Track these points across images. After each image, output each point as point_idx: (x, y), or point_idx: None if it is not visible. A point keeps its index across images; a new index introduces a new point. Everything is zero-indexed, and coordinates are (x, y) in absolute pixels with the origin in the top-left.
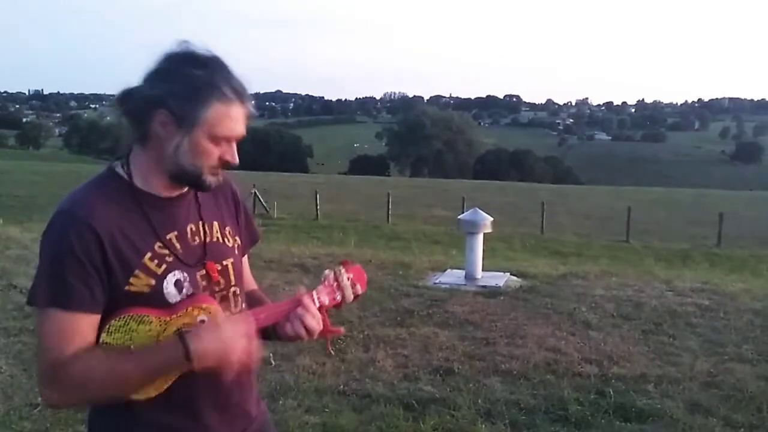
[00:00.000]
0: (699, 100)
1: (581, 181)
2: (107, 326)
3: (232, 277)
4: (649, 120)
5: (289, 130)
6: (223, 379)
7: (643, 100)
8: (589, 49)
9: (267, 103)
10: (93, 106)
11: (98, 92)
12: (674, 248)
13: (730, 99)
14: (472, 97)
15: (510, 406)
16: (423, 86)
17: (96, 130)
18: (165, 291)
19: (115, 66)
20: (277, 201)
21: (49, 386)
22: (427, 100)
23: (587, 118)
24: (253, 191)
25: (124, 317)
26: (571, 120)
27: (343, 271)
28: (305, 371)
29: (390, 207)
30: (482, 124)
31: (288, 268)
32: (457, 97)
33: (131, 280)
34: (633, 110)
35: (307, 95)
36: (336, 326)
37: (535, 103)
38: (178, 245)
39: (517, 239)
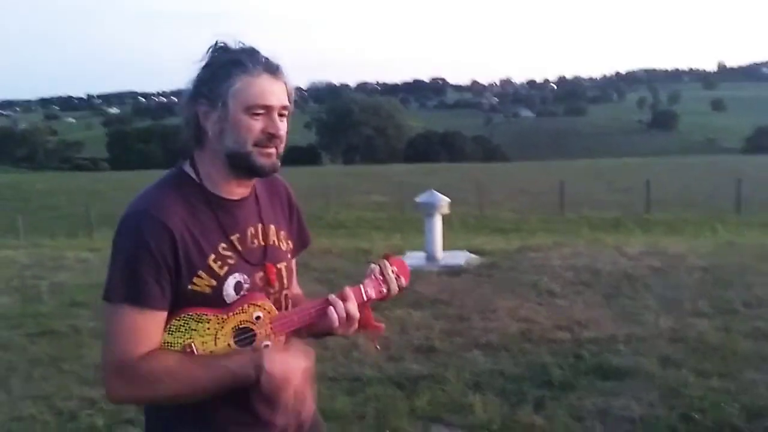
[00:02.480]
0: (616, 73)
1: (510, 158)
2: (168, 326)
3: (285, 281)
4: (570, 95)
5: None
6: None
7: (563, 76)
8: (510, 29)
9: None
10: (4, 113)
11: (8, 98)
12: (607, 217)
13: (646, 70)
14: (399, 82)
15: (495, 376)
16: (349, 74)
17: (11, 138)
18: (225, 293)
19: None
20: None
21: (116, 381)
22: (354, 87)
23: (512, 96)
24: None
25: (183, 317)
26: (496, 99)
27: (387, 264)
28: None
29: (329, 196)
30: (410, 108)
31: None
32: (383, 83)
33: (194, 280)
34: (555, 86)
35: None
36: (378, 323)
37: (460, 85)
38: (240, 247)
39: (457, 219)
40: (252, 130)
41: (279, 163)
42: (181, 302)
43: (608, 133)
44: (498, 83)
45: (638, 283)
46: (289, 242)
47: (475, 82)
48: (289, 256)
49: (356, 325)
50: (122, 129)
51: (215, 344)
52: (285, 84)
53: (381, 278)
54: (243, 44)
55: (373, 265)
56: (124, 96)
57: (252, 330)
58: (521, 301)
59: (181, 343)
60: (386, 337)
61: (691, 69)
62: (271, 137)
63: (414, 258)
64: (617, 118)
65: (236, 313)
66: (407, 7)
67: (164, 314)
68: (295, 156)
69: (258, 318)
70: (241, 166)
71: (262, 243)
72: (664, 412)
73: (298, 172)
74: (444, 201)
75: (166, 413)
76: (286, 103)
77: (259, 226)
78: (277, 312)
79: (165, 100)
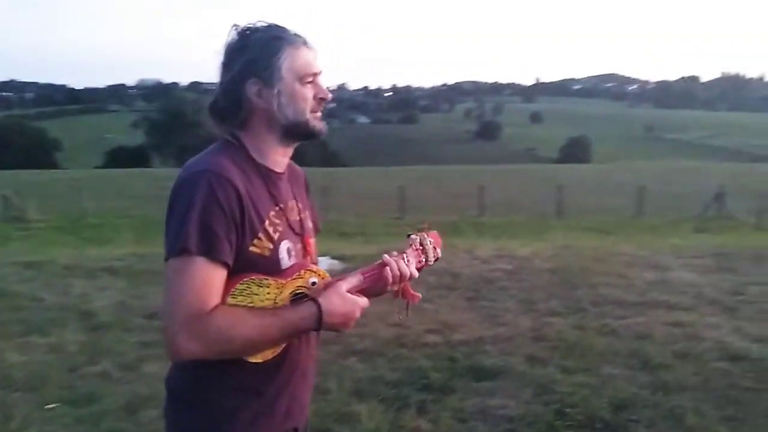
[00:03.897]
0: (445, 84)
1: (349, 163)
2: (231, 289)
3: (314, 256)
4: (403, 104)
5: (31, 123)
6: (307, 354)
7: (396, 85)
8: (345, 35)
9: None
10: None
11: None
12: (444, 221)
13: (472, 82)
14: None
15: (375, 382)
16: (179, 72)
17: None
18: (280, 257)
19: None
20: (32, 202)
21: (185, 336)
22: (185, 86)
23: (348, 102)
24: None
25: (246, 281)
26: (334, 105)
27: (426, 235)
28: (156, 378)
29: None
30: None
31: (96, 274)
32: (216, 83)
33: (255, 241)
34: (388, 94)
35: (48, 84)
36: (415, 292)
37: None
38: (287, 216)
39: None
40: (308, 99)
41: (326, 127)
42: (241, 264)
43: (439, 141)
44: (334, 88)
45: (495, 286)
46: (310, 223)
47: None
48: (313, 234)
49: (405, 283)
50: None
51: None
52: (316, 51)
53: (421, 248)
54: (265, 23)
55: (414, 236)
56: None
57: (308, 296)
58: (388, 305)
59: (243, 306)
60: None
61: (512, 83)
62: (321, 101)
63: None
64: (447, 127)
65: (294, 279)
66: (241, 6)
67: (227, 271)
68: (123, 156)
69: (314, 283)
70: (300, 134)
71: (297, 217)
72: (540, 408)
73: (129, 175)
74: None
75: (189, 378)
76: (321, 68)
77: (295, 201)
78: (330, 277)
79: None
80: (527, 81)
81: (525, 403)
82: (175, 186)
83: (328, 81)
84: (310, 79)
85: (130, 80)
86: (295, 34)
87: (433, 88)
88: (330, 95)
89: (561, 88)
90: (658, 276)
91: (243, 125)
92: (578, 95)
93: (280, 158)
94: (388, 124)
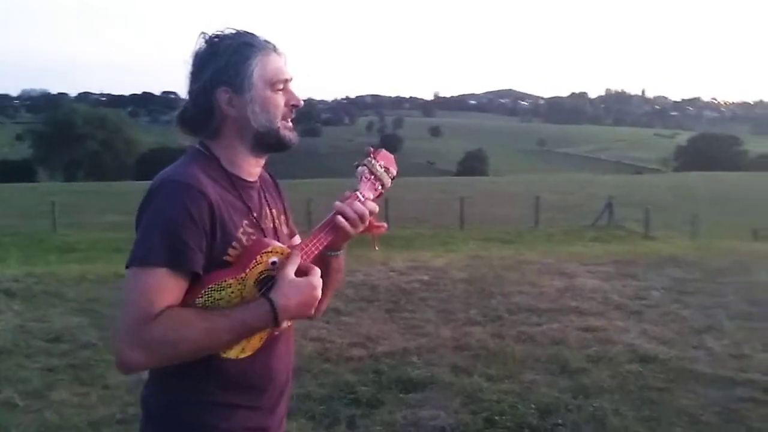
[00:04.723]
0: (346, 97)
1: None
2: (193, 304)
3: None
4: (306, 116)
5: None
6: (285, 365)
7: None
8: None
9: None
10: None
11: None
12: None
13: (372, 96)
14: (126, 94)
15: (303, 399)
16: (67, 83)
17: None
18: None
19: None
20: None
21: (128, 345)
22: (75, 97)
23: None
24: None
25: (203, 293)
26: None
27: (374, 161)
28: (67, 405)
29: (55, 216)
30: (140, 121)
31: None
32: (108, 94)
33: (229, 251)
34: None
35: None
36: (379, 223)
37: None
38: (260, 225)
39: None
40: (279, 105)
41: (297, 137)
42: (211, 271)
43: (342, 153)
44: None
45: (414, 297)
46: (285, 228)
47: None
48: (287, 240)
49: (366, 223)
50: None
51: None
52: (285, 57)
53: (372, 177)
54: (234, 29)
55: (360, 168)
56: None
57: (273, 276)
58: (309, 321)
59: (192, 308)
60: None
61: (412, 97)
62: (293, 108)
63: None
64: (350, 140)
65: (252, 267)
66: (131, 16)
67: (188, 280)
68: (5, 170)
69: (274, 263)
70: (270, 142)
71: (271, 225)
72: (469, 417)
73: (13, 190)
74: None
75: (167, 396)
76: (291, 74)
77: (268, 208)
78: (289, 250)
79: None
80: (427, 95)
81: (455, 413)
82: (145, 196)
83: None
84: (281, 86)
85: (14, 90)
86: (265, 41)
87: (334, 101)
88: (302, 102)
89: (459, 103)
90: (566, 283)
91: (214, 135)
92: (475, 110)
93: (252, 168)
94: None
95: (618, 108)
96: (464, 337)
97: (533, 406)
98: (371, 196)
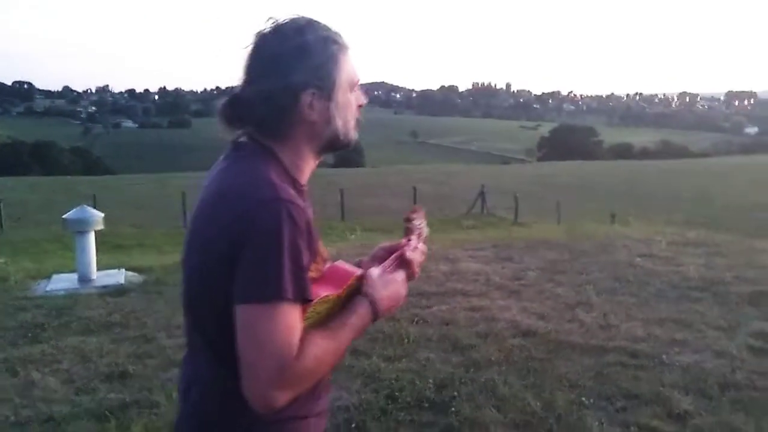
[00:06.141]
0: (218, 87)
1: (114, 170)
2: (304, 315)
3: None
4: (173, 107)
5: None
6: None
7: (165, 87)
8: (108, 34)
9: None
10: None
11: None
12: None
13: None
14: None
15: None
16: None
17: None
18: None
19: None
20: None
21: (280, 388)
22: None
23: (111, 105)
24: None
25: (314, 303)
26: (94, 108)
27: (422, 219)
28: None
29: None
30: None
31: None
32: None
33: (312, 266)
34: (156, 98)
35: None
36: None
37: (50, 90)
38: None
39: (68, 238)
40: (354, 108)
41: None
42: None
43: (215, 146)
44: (94, 90)
45: None
46: None
47: (67, 88)
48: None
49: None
50: None
51: None
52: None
53: (419, 231)
54: (305, 19)
55: (415, 223)
56: None
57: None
58: None
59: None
60: (66, 370)
61: None
62: (359, 109)
63: (63, 281)
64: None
65: (347, 287)
66: None
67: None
68: None
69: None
70: (339, 145)
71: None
72: (371, 396)
73: None
74: (98, 216)
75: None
76: None
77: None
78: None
79: None
80: None
81: (357, 393)
82: (242, 217)
83: (86, 82)
84: (356, 88)
85: None
86: (340, 35)
87: (205, 91)
88: (366, 100)
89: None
90: (451, 267)
91: (281, 137)
92: None
93: (308, 171)
94: (157, 128)
95: (485, 101)
96: None
97: (430, 381)
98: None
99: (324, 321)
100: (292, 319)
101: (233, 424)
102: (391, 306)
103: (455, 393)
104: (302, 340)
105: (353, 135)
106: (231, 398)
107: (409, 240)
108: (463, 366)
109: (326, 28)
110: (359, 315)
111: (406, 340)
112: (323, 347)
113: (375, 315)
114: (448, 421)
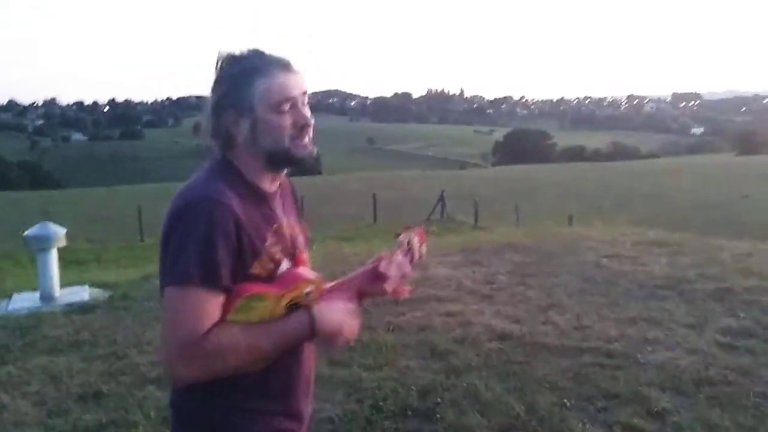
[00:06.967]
0: (169, 98)
1: (64, 184)
2: (231, 305)
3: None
4: (124, 119)
5: None
6: (308, 369)
7: (114, 99)
8: (52, 46)
9: None
10: None
11: None
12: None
13: (197, 97)
14: None
15: None
16: None
17: None
18: (278, 275)
19: None
20: None
21: (181, 362)
22: None
23: (59, 118)
24: None
25: (246, 297)
26: (42, 121)
27: (413, 235)
28: None
29: None
30: None
31: None
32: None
33: (255, 263)
34: (106, 109)
35: None
36: (406, 287)
37: None
38: (282, 236)
39: (24, 256)
40: (284, 127)
41: (314, 150)
42: (238, 284)
43: (167, 157)
44: (41, 103)
45: None
46: (302, 237)
47: (12, 102)
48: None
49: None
50: None
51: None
52: (298, 73)
53: (408, 248)
54: (248, 49)
55: (401, 238)
56: None
57: (302, 305)
58: None
59: (240, 321)
60: (36, 392)
61: None
62: (302, 128)
63: (24, 300)
64: (176, 142)
65: (291, 290)
66: None
67: (224, 295)
68: None
69: (308, 294)
70: (282, 162)
71: (290, 235)
72: (355, 406)
73: None
74: (61, 233)
75: (196, 401)
76: (306, 88)
77: (287, 218)
78: (324, 284)
79: None
80: None
81: (340, 404)
82: (173, 212)
83: (32, 95)
84: (286, 106)
85: None
86: (276, 59)
87: (156, 102)
88: (310, 120)
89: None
90: (421, 274)
91: (229, 149)
92: None
93: (269, 180)
94: (108, 140)
95: (440, 106)
96: None
97: (413, 389)
98: (408, 263)
99: (259, 318)
100: (201, 301)
101: (197, 415)
102: (332, 331)
103: (438, 399)
104: (216, 325)
105: (298, 151)
106: (192, 391)
107: (392, 254)
108: (443, 372)
109: (255, 58)
110: (292, 323)
111: (384, 348)
112: (236, 337)
113: (312, 330)
114: (434, 428)
